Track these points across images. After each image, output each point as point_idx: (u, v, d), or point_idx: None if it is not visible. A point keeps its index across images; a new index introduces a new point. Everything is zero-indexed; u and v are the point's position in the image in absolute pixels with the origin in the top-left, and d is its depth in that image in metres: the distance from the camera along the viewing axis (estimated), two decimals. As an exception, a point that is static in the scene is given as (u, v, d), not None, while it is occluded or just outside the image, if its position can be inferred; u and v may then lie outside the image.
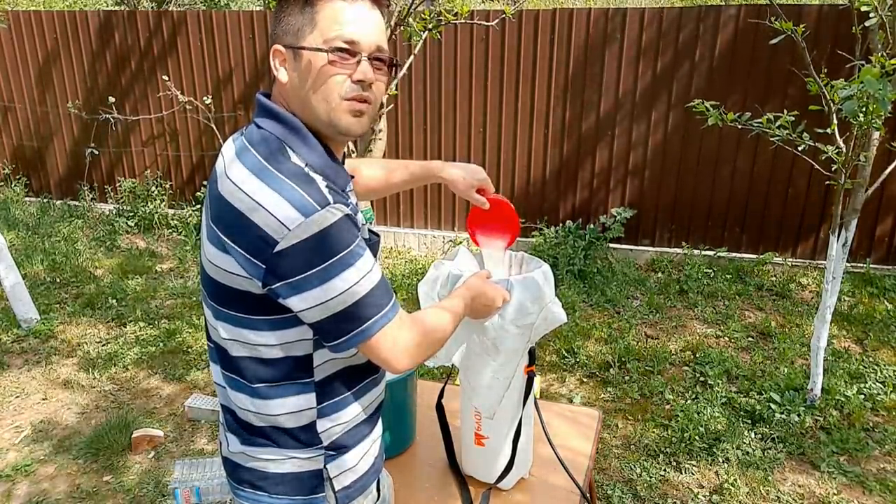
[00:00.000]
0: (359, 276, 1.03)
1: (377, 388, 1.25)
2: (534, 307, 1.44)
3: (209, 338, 1.20)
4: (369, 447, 1.23)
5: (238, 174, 1.03)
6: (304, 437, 1.14)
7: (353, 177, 1.22)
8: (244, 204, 1.00)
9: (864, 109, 2.45)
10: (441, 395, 1.81)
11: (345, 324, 1.05)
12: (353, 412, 1.18)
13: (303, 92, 1.07)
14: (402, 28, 2.89)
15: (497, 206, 1.53)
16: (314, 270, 1.00)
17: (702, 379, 3.47)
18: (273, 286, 1.01)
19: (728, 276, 4.60)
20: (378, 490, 1.28)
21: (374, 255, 1.14)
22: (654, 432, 3.07)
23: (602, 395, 3.39)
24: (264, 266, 1.00)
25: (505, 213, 1.54)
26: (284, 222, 0.98)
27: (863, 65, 2.45)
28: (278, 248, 0.98)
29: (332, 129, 1.09)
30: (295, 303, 1.02)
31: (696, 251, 4.86)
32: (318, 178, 1.04)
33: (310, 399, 1.13)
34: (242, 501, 1.19)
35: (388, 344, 1.09)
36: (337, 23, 1.06)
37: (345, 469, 1.18)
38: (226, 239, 1.03)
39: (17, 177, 6.46)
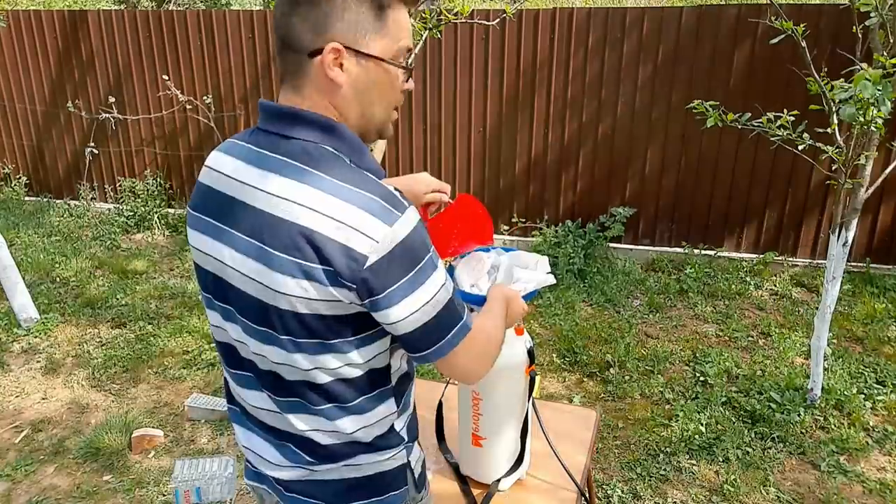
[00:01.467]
0: (443, 279, 1.02)
1: (415, 372, 1.28)
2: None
3: (273, 375, 1.10)
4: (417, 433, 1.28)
5: (299, 192, 0.97)
6: (392, 439, 1.16)
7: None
8: (321, 224, 0.94)
9: (862, 112, 2.45)
10: (442, 396, 1.81)
11: (434, 333, 1.02)
12: (411, 404, 1.22)
13: (364, 98, 1.04)
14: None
15: (455, 215, 1.42)
16: (407, 278, 0.97)
17: (702, 379, 3.47)
18: (366, 301, 0.97)
19: (728, 276, 4.60)
20: None
21: None
22: (654, 432, 3.07)
23: (602, 395, 3.39)
24: (355, 285, 0.95)
25: (469, 215, 1.44)
26: (371, 236, 0.94)
27: (860, 68, 2.45)
28: (368, 262, 0.94)
29: (378, 134, 1.09)
30: (388, 315, 0.98)
31: (696, 251, 4.86)
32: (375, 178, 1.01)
33: (391, 405, 1.13)
34: None
35: (469, 353, 1.07)
36: (404, 31, 1.03)
37: (418, 457, 1.23)
38: (308, 264, 0.96)
39: (17, 176, 6.46)
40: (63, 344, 3.94)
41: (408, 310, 0.98)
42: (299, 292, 0.98)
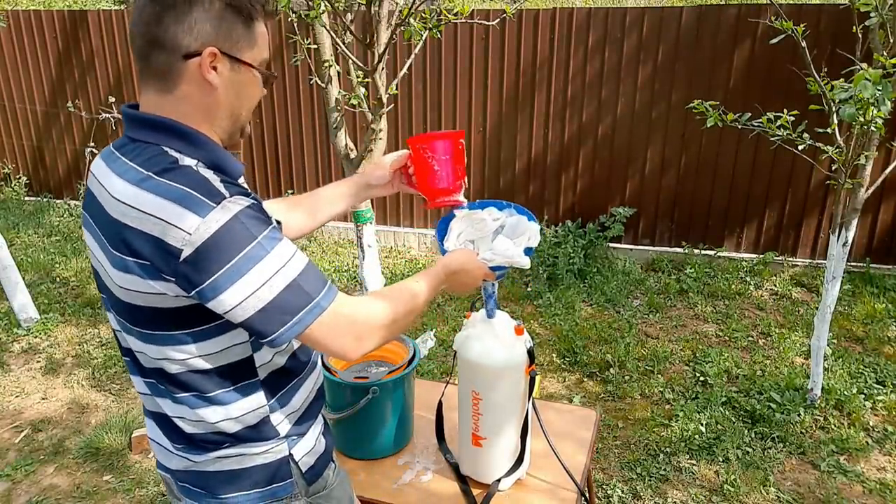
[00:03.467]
0: (279, 265, 1.01)
1: (316, 371, 1.28)
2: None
3: (139, 364, 1.16)
4: (321, 427, 1.28)
5: (123, 190, 1.01)
6: (263, 432, 1.17)
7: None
8: (138, 219, 0.98)
9: (862, 112, 2.45)
10: (442, 395, 1.81)
11: (275, 317, 1.02)
12: (300, 400, 1.21)
13: (234, 100, 1.10)
14: (402, 28, 2.89)
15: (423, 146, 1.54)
16: (226, 268, 0.97)
17: (702, 379, 3.47)
18: (192, 293, 0.99)
19: (728, 276, 4.60)
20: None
21: None
22: (654, 432, 3.07)
23: (602, 395, 3.39)
24: (174, 278, 0.98)
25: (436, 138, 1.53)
26: (183, 228, 0.96)
27: (860, 68, 2.45)
28: (183, 255, 0.96)
29: (237, 136, 1.15)
30: (215, 306, 1.00)
31: (696, 251, 4.86)
32: (210, 174, 1.02)
33: (259, 398, 1.14)
34: None
35: (329, 332, 1.06)
36: (265, 43, 1.12)
37: (307, 451, 1.22)
38: (129, 259, 1.00)
39: (17, 176, 6.46)
40: (63, 344, 3.94)
41: (239, 296, 0.99)
42: (129, 285, 1.03)
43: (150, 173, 1.00)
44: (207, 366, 1.09)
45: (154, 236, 0.97)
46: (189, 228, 0.95)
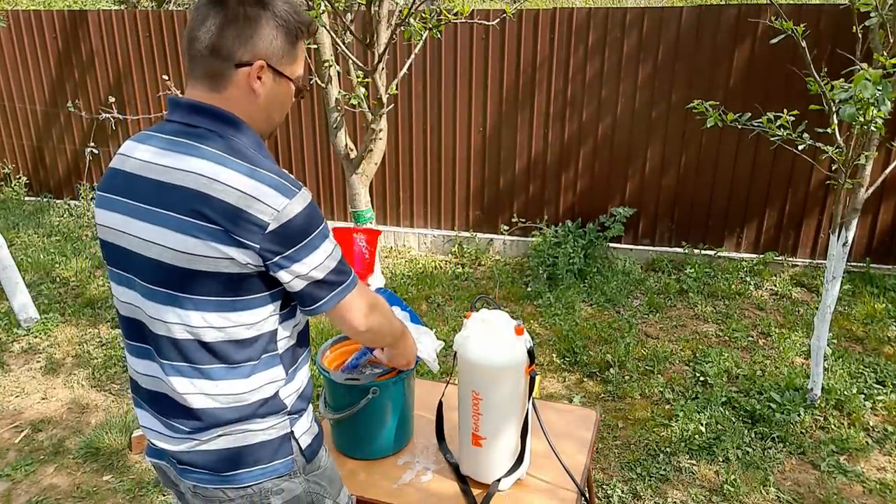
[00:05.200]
0: (333, 246, 1.22)
1: (309, 357, 1.40)
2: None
3: (164, 339, 1.22)
4: (311, 413, 1.38)
5: (202, 167, 1.14)
6: (274, 405, 1.26)
7: None
8: (223, 192, 1.12)
9: (862, 112, 2.45)
10: (442, 395, 1.81)
11: (325, 288, 1.21)
12: (304, 376, 1.35)
13: (272, 107, 1.26)
14: (402, 28, 2.89)
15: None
16: (305, 242, 1.16)
17: (702, 379, 3.47)
18: (268, 262, 1.15)
19: (728, 276, 4.60)
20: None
21: None
22: (654, 432, 3.07)
23: (602, 395, 3.39)
24: (258, 245, 1.12)
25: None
26: (273, 206, 1.12)
27: (860, 68, 2.45)
28: (270, 228, 1.12)
29: (267, 136, 1.31)
30: (285, 275, 1.17)
31: (696, 251, 4.86)
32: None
33: (279, 371, 1.26)
34: (217, 487, 1.25)
35: (354, 305, 1.26)
36: (303, 60, 1.29)
37: (305, 430, 1.32)
38: (203, 223, 1.12)
39: (17, 176, 6.46)
40: (63, 344, 3.94)
41: (309, 265, 1.17)
42: (194, 250, 1.13)
43: (229, 156, 1.16)
44: (245, 335, 1.20)
45: (239, 208, 1.11)
46: (279, 206, 1.12)
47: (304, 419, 1.32)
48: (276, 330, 1.24)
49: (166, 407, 1.25)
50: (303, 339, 1.35)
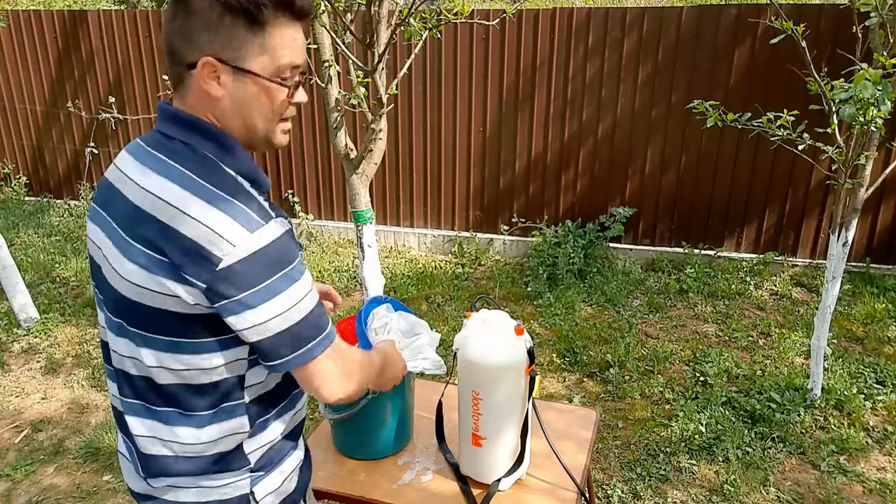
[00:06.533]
0: (303, 294, 1.01)
1: (300, 404, 1.23)
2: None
3: (121, 373, 1.11)
4: (294, 466, 1.21)
5: (162, 187, 0.99)
6: (233, 460, 1.11)
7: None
8: (179, 221, 0.96)
9: (862, 112, 2.45)
10: (441, 395, 1.81)
11: (288, 344, 1.01)
12: (276, 431, 1.16)
13: (244, 111, 1.05)
14: (402, 28, 2.89)
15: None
16: (259, 287, 0.96)
17: (702, 379, 3.47)
18: (216, 304, 0.97)
19: (728, 276, 4.60)
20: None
21: None
22: (654, 432, 3.07)
23: (602, 395, 3.39)
24: (205, 285, 0.96)
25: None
26: (228, 239, 0.95)
27: (860, 68, 2.45)
28: (222, 265, 0.95)
29: (266, 144, 1.10)
30: (237, 321, 0.98)
31: (696, 251, 4.86)
32: (250, 187, 1.04)
33: (242, 422, 1.10)
34: None
35: (325, 370, 1.05)
36: (287, 49, 1.03)
37: (270, 490, 1.16)
38: (150, 253, 0.98)
39: (17, 176, 6.46)
40: (63, 344, 3.94)
41: (265, 315, 0.98)
42: (141, 281, 1.00)
43: (195, 176, 1.00)
44: (202, 380, 1.05)
45: (192, 239, 0.95)
46: (236, 241, 0.95)
47: (274, 476, 1.16)
48: (244, 376, 1.08)
49: (130, 441, 1.13)
50: (285, 384, 1.16)
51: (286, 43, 1.03)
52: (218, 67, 1.01)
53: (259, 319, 0.98)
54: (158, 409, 1.08)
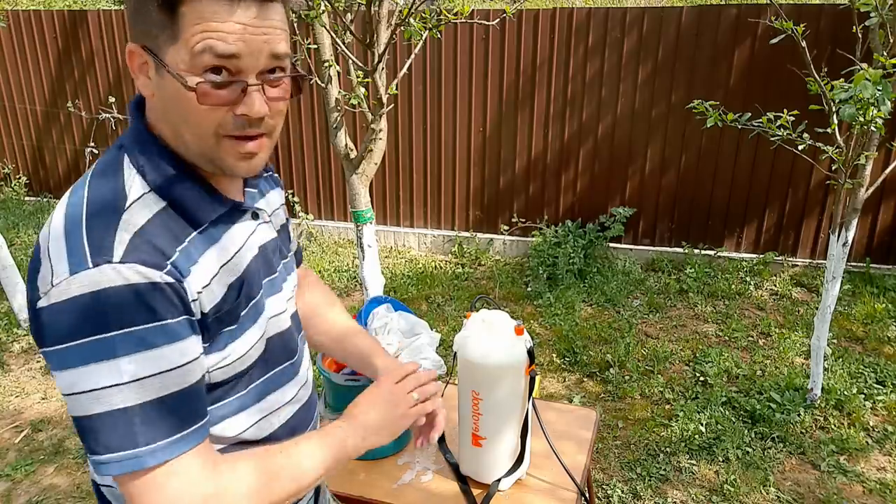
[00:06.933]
0: (128, 376, 0.74)
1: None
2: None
3: None
4: None
5: (55, 216, 0.81)
6: None
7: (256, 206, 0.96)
8: (41, 250, 0.78)
9: (862, 112, 2.45)
10: (441, 395, 1.81)
11: (91, 438, 0.76)
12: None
13: (171, 116, 0.81)
14: (402, 28, 2.89)
15: None
16: (71, 345, 0.74)
17: (702, 379, 3.47)
18: (39, 350, 0.78)
19: (728, 276, 4.60)
20: None
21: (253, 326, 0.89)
22: (654, 432, 3.07)
23: (602, 395, 3.39)
24: (29, 323, 0.80)
25: None
26: (54, 274, 0.74)
27: (860, 68, 2.45)
28: (40, 304, 0.74)
29: (212, 167, 0.84)
30: (57, 381, 0.77)
31: (696, 251, 4.86)
32: (142, 213, 0.79)
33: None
34: None
35: (160, 495, 0.76)
36: (207, 31, 0.75)
37: None
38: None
39: (17, 176, 6.46)
40: (63, 344, 3.94)
41: (64, 386, 0.76)
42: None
43: (81, 185, 0.83)
44: None
45: (33, 267, 0.77)
46: (52, 279, 0.74)
47: None
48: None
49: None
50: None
51: (204, 21, 0.75)
52: (144, 57, 0.79)
53: (63, 388, 0.76)
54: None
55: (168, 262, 0.78)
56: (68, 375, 0.75)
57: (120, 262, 0.74)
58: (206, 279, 0.83)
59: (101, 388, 0.75)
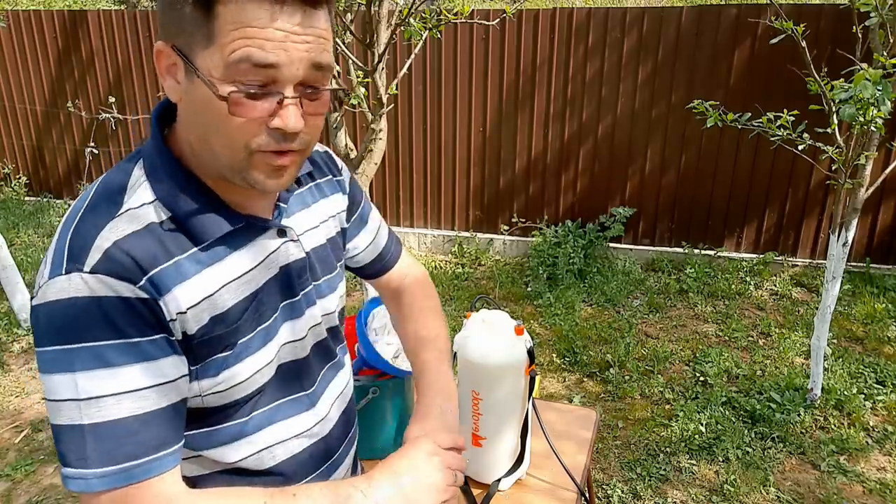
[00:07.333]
0: (84, 393, 0.70)
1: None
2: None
3: None
4: None
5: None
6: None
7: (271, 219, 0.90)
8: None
9: (862, 112, 2.45)
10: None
11: (59, 448, 0.72)
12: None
13: (200, 125, 0.76)
14: (402, 28, 2.89)
15: None
16: (42, 350, 0.72)
17: (702, 379, 3.47)
18: None
19: (728, 276, 4.60)
20: None
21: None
22: (654, 432, 3.07)
23: (602, 395, 3.39)
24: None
25: None
26: (42, 273, 0.73)
27: (860, 68, 2.45)
28: (34, 302, 0.73)
29: (240, 180, 0.78)
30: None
31: (696, 251, 4.86)
32: (128, 224, 0.74)
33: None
34: None
35: None
36: (245, 38, 0.69)
37: None
38: None
39: (17, 176, 6.46)
40: (63, 344, 3.94)
41: (43, 392, 0.76)
42: None
43: (86, 194, 0.79)
44: None
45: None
46: (39, 280, 0.73)
47: None
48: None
49: None
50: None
51: (243, 25, 0.69)
52: (173, 57, 0.75)
53: (43, 392, 0.74)
54: None
55: (144, 277, 0.73)
56: (43, 378, 0.73)
57: (90, 272, 0.71)
58: (195, 297, 0.78)
59: (61, 401, 0.71)
